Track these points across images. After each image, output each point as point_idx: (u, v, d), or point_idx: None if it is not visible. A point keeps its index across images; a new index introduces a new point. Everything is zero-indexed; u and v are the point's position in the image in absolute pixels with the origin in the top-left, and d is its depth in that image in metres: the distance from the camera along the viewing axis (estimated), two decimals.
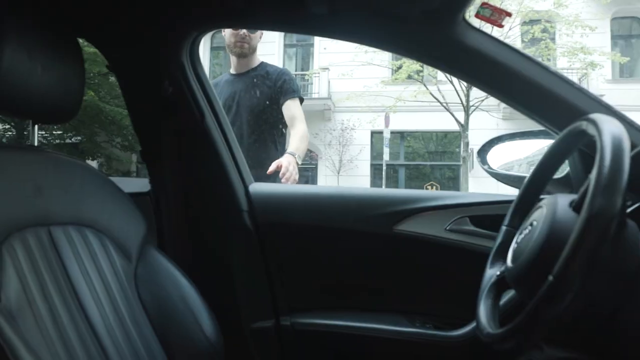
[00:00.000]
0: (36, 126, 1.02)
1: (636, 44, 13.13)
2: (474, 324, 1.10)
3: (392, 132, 12.18)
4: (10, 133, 10.64)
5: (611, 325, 0.70)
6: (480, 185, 11.68)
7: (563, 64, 11.82)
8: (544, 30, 10.98)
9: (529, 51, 11.70)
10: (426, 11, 0.92)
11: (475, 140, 10.90)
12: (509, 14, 0.96)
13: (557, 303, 0.59)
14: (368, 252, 1.26)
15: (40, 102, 0.95)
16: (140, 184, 1.32)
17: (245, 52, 2.18)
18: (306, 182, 11.98)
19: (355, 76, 11.87)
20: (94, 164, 11.83)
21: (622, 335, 0.71)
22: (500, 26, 0.98)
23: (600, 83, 11.93)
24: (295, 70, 13.68)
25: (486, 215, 1.20)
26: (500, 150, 1.27)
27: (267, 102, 2.16)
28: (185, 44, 1.15)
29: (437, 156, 13.89)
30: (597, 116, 0.68)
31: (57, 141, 11.19)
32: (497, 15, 0.94)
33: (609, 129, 0.64)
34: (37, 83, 0.92)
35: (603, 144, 0.62)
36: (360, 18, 1.00)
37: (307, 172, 12.78)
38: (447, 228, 1.20)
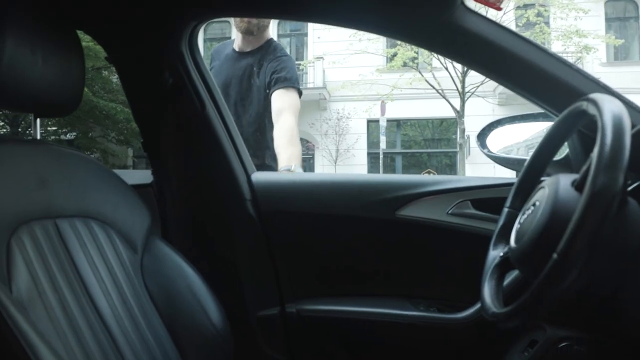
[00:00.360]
0: (38, 120, 1.02)
1: (630, 26, 13.11)
2: (477, 306, 1.13)
3: (388, 120, 12.17)
4: (4, 130, 10.60)
5: (612, 304, 0.72)
6: (477, 171, 11.70)
7: (558, 48, 11.81)
8: (538, 14, 10.95)
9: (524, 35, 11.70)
10: None
11: (472, 126, 10.90)
12: None
13: (561, 281, 0.60)
14: (371, 238, 1.27)
15: (41, 95, 0.95)
16: (142, 176, 1.33)
17: (251, 28, 1.88)
18: None
19: (350, 65, 11.84)
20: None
21: (623, 314, 0.72)
22: (499, 9, 0.98)
23: (595, 66, 11.92)
24: None
25: (487, 198, 1.21)
26: (500, 134, 1.27)
27: (267, 91, 1.93)
28: (184, 34, 1.15)
29: (433, 143, 13.90)
30: (598, 96, 0.69)
31: (52, 137, 11.16)
32: None
33: (610, 108, 0.65)
34: (39, 76, 0.92)
35: (604, 123, 0.63)
36: (359, 3, 1.00)
37: (304, 162, 12.77)
38: (449, 212, 1.21)
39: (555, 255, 0.60)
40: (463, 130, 11.47)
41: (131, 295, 0.98)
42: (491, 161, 1.27)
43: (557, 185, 0.71)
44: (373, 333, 1.25)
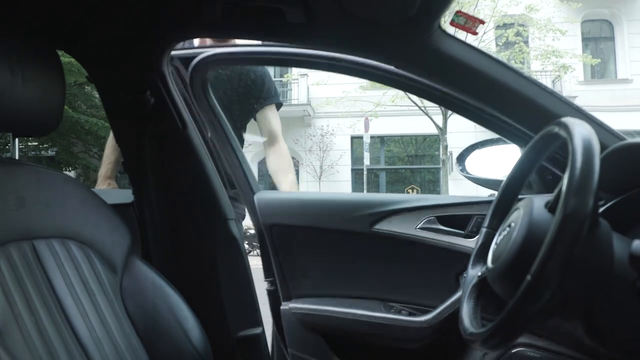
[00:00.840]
0: (17, 139, 1.01)
1: (606, 46, 13.48)
2: (437, 311, 1.28)
3: (371, 137, 12.25)
4: None
5: (587, 324, 0.73)
6: (460, 188, 11.83)
7: (536, 67, 12.08)
8: (518, 34, 11.21)
9: (503, 54, 11.91)
10: (403, 19, 0.94)
11: (454, 143, 11.04)
12: (482, 22, 1.00)
13: (535, 302, 0.61)
14: (351, 249, 1.41)
15: (21, 115, 0.94)
16: (123, 195, 1.32)
17: None
18: None
19: (334, 82, 11.95)
20: (71, 174, 11.64)
21: (598, 333, 0.73)
22: (474, 33, 1.01)
23: (572, 85, 12.22)
24: (274, 76, 13.69)
25: (452, 215, 1.32)
26: (479, 156, 1.33)
27: (238, 107, 1.77)
28: (166, 54, 1.16)
29: (416, 160, 14.03)
30: (568, 120, 0.71)
31: (33, 153, 11.00)
32: (470, 23, 0.98)
33: (580, 132, 0.67)
34: (18, 96, 0.91)
35: (574, 146, 0.65)
36: (338, 27, 1.02)
37: None
38: (418, 227, 1.33)
39: (528, 277, 0.61)
40: (446, 147, 11.60)
41: (110, 317, 0.97)
42: None
43: (531, 207, 0.73)
44: (349, 330, 1.38)
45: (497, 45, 11.82)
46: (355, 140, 13.13)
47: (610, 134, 1.03)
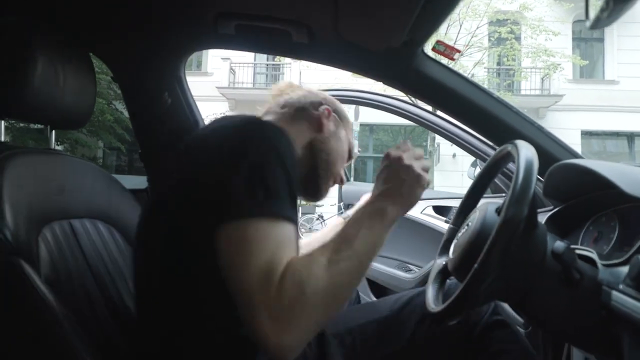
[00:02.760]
0: (53, 131, 1.16)
1: (596, 46, 13.70)
2: (418, 272, 1.80)
3: (361, 125, 12.37)
4: None
5: (523, 307, 0.91)
6: (445, 178, 12.06)
7: (527, 64, 12.27)
8: (510, 31, 11.35)
9: (495, 50, 12.08)
10: (391, 47, 1.11)
11: None
12: (459, 51, 1.16)
13: (479, 285, 0.79)
14: None
15: (58, 110, 1.10)
16: (139, 181, 1.47)
17: None
18: None
19: (326, 67, 11.99)
20: (58, 149, 11.60)
21: (531, 315, 0.91)
22: (452, 59, 1.18)
23: (561, 83, 12.44)
24: (267, 60, 13.73)
25: (442, 206, 1.89)
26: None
27: None
28: (183, 61, 1.31)
29: None
30: (519, 142, 0.88)
31: (22, 125, 10.97)
32: (449, 51, 1.14)
33: (525, 154, 0.84)
34: (58, 94, 1.06)
35: (519, 165, 0.82)
36: (335, 48, 1.18)
37: None
38: (421, 212, 1.88)
39: (475, 266, 0.79)
40: (433, 139, 11.79)
41: (131, 281, 1.14)
42: (459, 170, 1.65)
43: (485, 212, 0.90)
44: (377, 277, 1.98)
45: (489, 40, 11.97)
46: None
47: (564, 149, 1.22)
